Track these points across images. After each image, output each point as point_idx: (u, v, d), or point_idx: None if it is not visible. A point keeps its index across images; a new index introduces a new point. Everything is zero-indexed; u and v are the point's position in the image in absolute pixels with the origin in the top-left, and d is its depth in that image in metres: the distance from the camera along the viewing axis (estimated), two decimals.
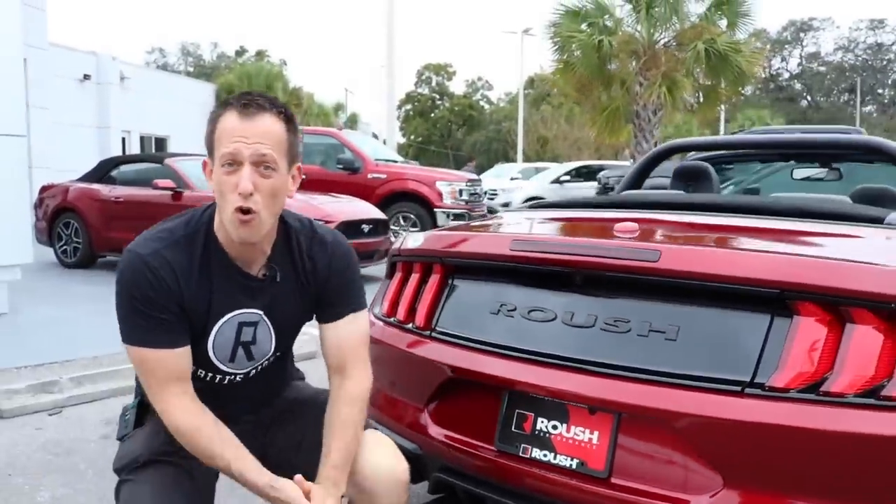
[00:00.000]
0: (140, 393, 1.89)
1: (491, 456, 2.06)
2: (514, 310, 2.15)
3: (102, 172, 10.13)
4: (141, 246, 1.71)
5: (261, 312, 1.80)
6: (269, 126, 1.65)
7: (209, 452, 1.71)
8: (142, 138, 24.87)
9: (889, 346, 1.69)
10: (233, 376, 1.85)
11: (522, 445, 2.02)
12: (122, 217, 9.32)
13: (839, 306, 1.73)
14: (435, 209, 11.46)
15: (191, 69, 70.66)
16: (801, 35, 77.90)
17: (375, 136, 32.26)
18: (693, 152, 4.64)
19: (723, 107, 24.15)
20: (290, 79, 34.53)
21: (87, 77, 22.15)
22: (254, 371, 1.87)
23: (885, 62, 75.04)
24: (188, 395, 1.73)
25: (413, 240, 2.49)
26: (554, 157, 40.55)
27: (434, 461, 2.22)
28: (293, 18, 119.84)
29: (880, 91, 76.82)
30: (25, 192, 7.01)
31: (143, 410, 1.89)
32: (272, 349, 1.86)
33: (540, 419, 2.01)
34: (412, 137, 66.80)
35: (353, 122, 43.44)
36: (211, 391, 1.83)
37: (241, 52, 70.43)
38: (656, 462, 1.87)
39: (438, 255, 2.39)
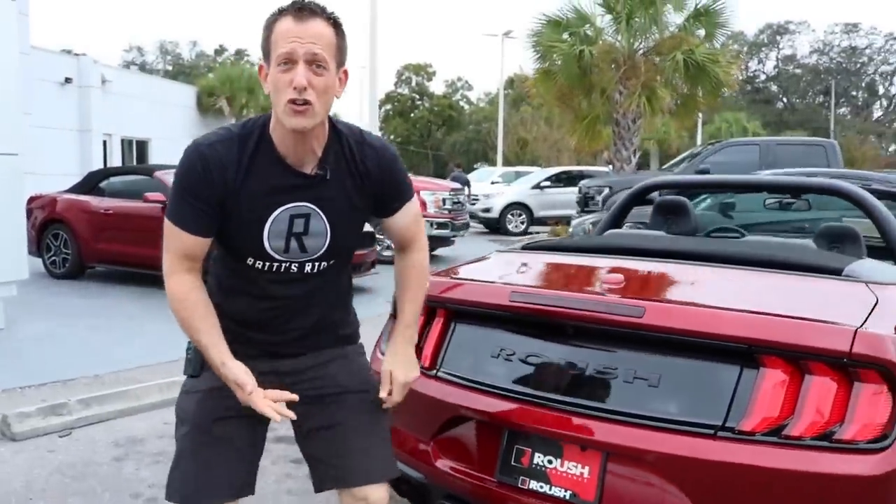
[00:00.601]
0: None
1: (492, 486, 2.30)
2: (513, 354, 2.39)
3: (91, 184, 10.25)
4: (203, 138, 1.93)
5: (311, 205, 1.94)
6: (320, 29, 1.82)
7: (188, 321, 1.93)
8: (122, 141, 24.87)
9: (841, 395, 1.95)
10: (287, 264, 1.98)
11: (521, 477, 2.26)
12: (112, 229, 9.47)
13: (799, 360, 1.98)
14: None
15: (169, 68, 70.35)
16: (778, 38, 78.78)
17: None
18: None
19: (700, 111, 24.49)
20: None
21: (68, 80, 22.13)
22: (309, 266, 2.00)
23: (858, 65, 76.08)
24: (193, 272, 1.95)
25: None
26: (534, 158, 40.86)
27: (438, 490, 2.46)
28: None
29: (854, 93, 77.87)
30: (21, 210, 7.16)
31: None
32: (326, 243, 1.98)
33: (537, 454, 2.25)
34: (392, 137, 66.85)
35: None
36: (270, 284, 2.00)
37: (220, 51, 70.31)
38: (640, 494, 2.10)
39: (442, 301, 2.61)
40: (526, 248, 3.28)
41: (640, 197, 4.01)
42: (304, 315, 2.08)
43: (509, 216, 19.47)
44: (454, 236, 12.69)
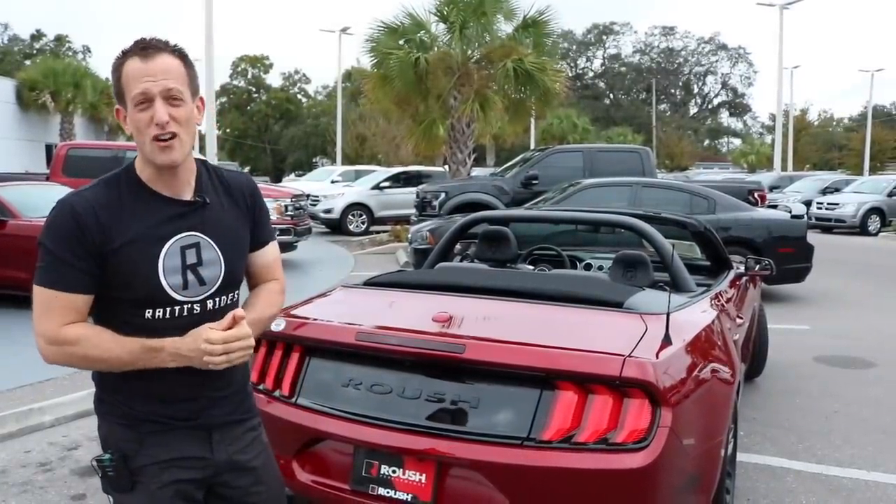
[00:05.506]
0: (117, 448, 1.91)
1: (347, 495, 2.77)
2: (361, 384, 2.87)
3: None
4: (69, 195, 1.87)
5: (198, 233, 1.91)
6: (168, 63, 1.83)
7: (93, 350, 1.79)
8: None
9: (615, 408, 2.54)
10: (189, 304, 1.89)
11: (371, 485, 2.74)
12: None
13: (585, 383, 2.57)
14: None
15: None
16: (604, 38, 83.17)
17: None
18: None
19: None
20: (98, 71, 33.21)
21: None
22: (211, 303, 1.93)
23: (676, 65, 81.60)
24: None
25: (275, 324, 3.11)
26: (373, 154, 41.27)
27: (302, 500, 2.91)
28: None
29: (672, 91, 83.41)
30: None
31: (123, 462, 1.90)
32: (222, 271, 1.94)
33: (383, 466, 2.74)
34: (228, 131, 65.40)
35: None
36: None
37: (37, 37, 66.22)
38: (467, 493, 2.64)
39: (297, 338, 3.04)
40: (368, 283, 3.76)
41: (466, 229, 4.58)
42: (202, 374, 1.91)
43: (350, 216, 19.83)
44: (297, 241, 12.97)
